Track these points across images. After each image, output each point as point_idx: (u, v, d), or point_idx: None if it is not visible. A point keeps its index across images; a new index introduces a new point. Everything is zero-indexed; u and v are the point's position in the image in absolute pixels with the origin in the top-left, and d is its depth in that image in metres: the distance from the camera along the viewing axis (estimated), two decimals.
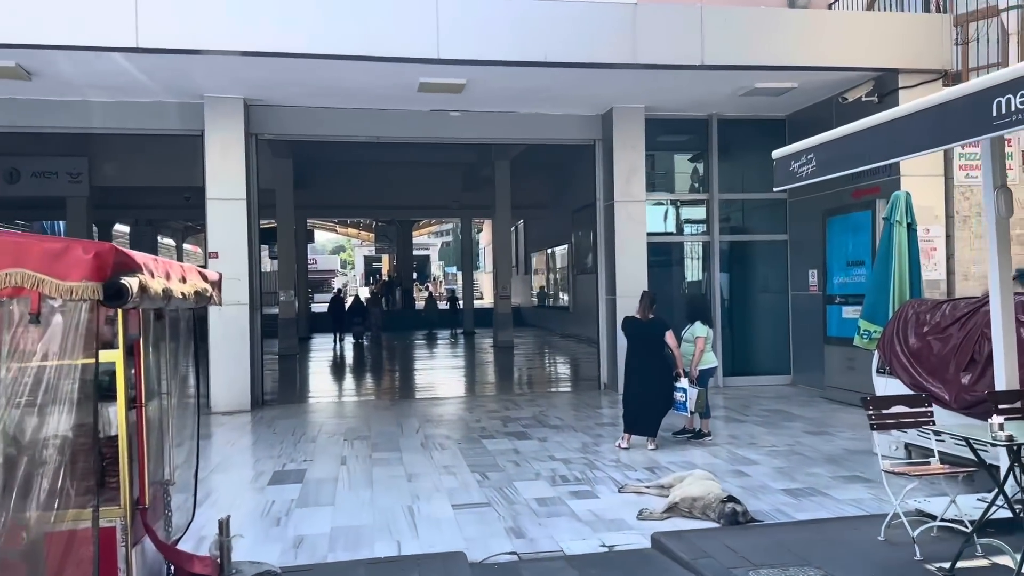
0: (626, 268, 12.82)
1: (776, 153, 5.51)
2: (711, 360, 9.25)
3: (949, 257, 11.10)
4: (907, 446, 7.81)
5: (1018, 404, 5.12)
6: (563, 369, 18.74)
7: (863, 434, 9.31)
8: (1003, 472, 4.96)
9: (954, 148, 11.02)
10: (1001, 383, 5.25)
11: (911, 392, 7.36)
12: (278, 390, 14.85)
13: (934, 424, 5.72)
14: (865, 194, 11.66)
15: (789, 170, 5.12)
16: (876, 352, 8.02)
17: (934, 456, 6.09)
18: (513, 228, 37.12)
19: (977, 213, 10.97)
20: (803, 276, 13.39)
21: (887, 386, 7.74)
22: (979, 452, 4.84)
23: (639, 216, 12.89)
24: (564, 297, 29.11)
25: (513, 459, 8.32)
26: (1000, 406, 4.98)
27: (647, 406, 8.71)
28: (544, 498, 6.83)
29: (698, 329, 9.11)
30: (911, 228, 8.30)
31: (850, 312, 11.62)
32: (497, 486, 7.22)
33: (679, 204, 14.86)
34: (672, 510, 6.14)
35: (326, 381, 17.36)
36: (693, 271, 14.88)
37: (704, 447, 8.80)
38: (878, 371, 7.94)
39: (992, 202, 5.06)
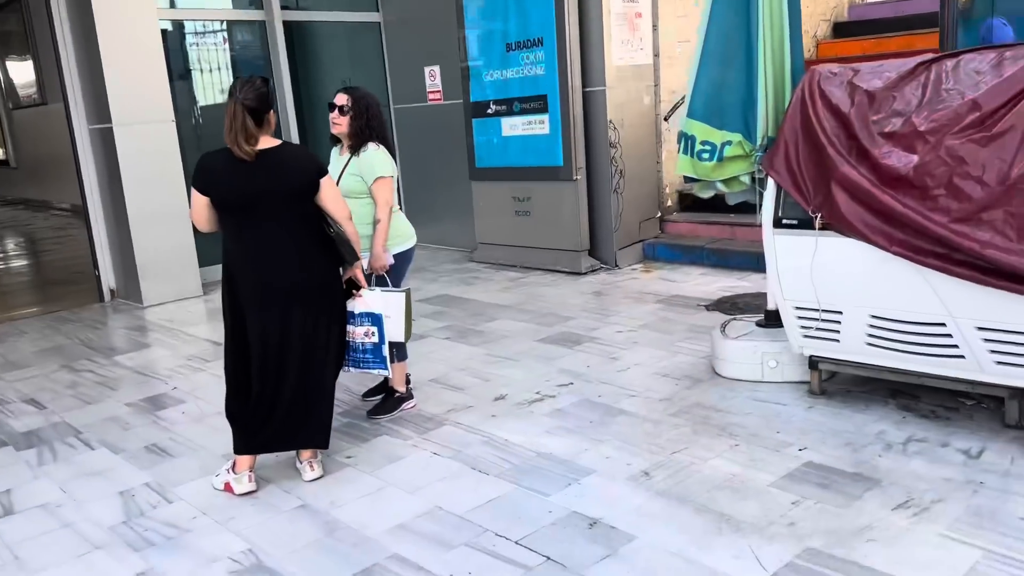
0: (126, 64, 6.68)
1: None
2: (407, 229, 4.24)
3: (653, 29, 7.44)
4: (814, 361, 4.02)
5: None
6: (17, 264, 11.33)
7: (634, 323, 5.29)
8: None
9: None
10: None
11: (880, 253, 3.46)
12: None
13: None
14: None
15: None
16: (769, 184, 3.92)
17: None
18: None
19: None
20: (415, 77, 8.72)
21: (817, 254, 3.72)
22: None
23: None
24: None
25: None
26: None
27: (303, 377, 3.47)
28: None
29: (376, 161, 3.96)
30: None
31: (518, 126, 7.41)
32: None
33: None
34: None
35: None
36: (220, 73, 9.09)
37: (422, 433, 3.97)
38: (780, 223, 3.87)
39: None
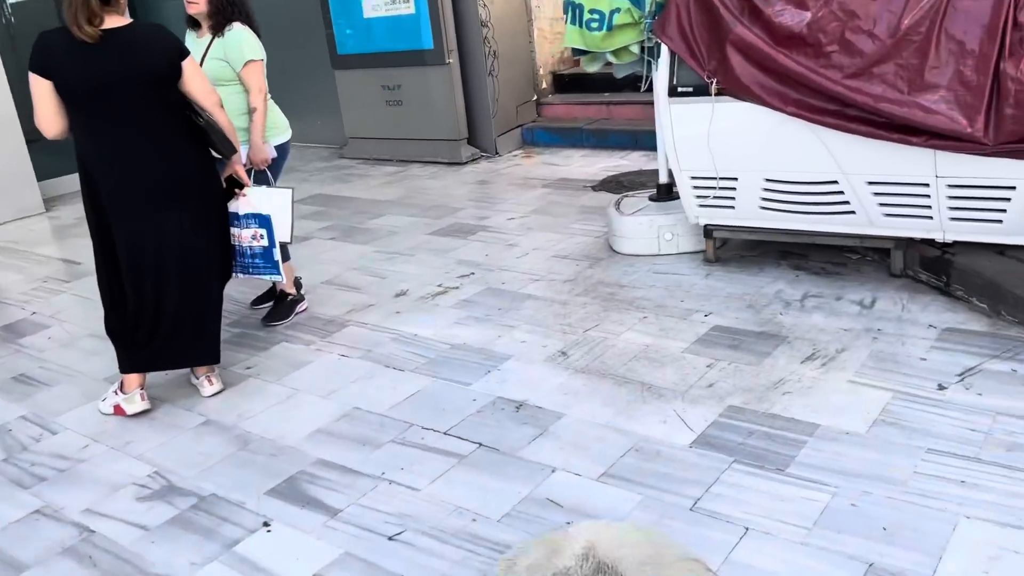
0: None
1: None
2: (282, 120, 3.90)
3: None
4: (709, 230, 4.08)
5: None
6: None
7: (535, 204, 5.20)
8: None
9: None
10: None
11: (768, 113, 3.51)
12: None
13: None
14: None
15: None
16: (662, 52, 3.81)
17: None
18: None
19: None
20: None
21: (713, 120, 3.69)
22: None
23: None
24: None
25: None
26: None
27: (187, 290, 3.17)
28: None
29: (244, 43, 3.58)
30: None
31: (380, 6, 6.93)
32: None
33: None
34: None
35: None
36: None
37: (324, 336, 3.78)
38: (675, 91, 3.80)
39: None
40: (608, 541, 1.96)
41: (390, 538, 2.36)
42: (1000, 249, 3.36)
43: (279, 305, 4.01)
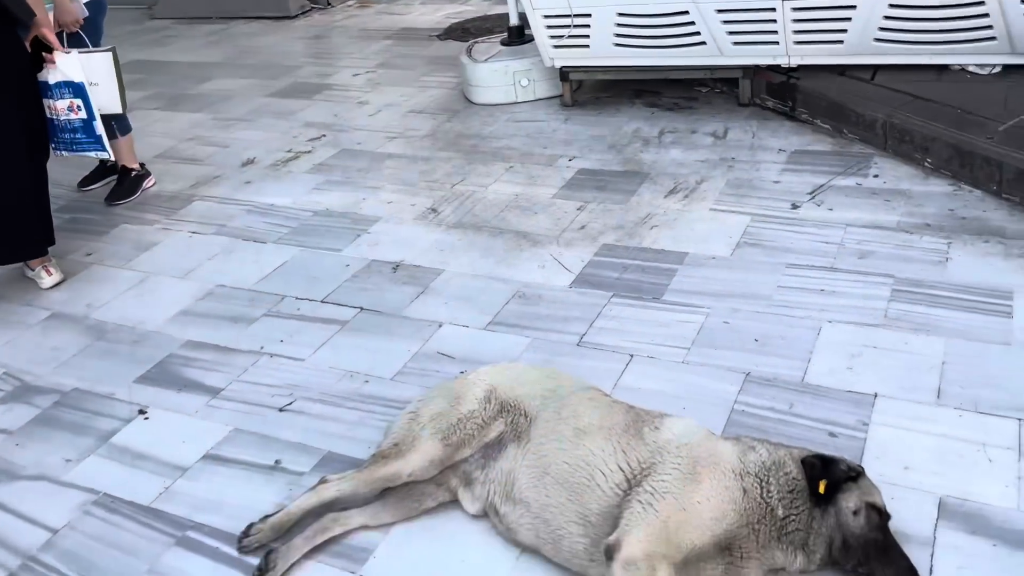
0: None
1: None
2: None
3: None
4: (565, 72, 4.01)
5: None
6: None
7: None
8: None
9: None
10: None
11: None
12: None
13: None
14: None
15: None
16: None
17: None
18: None
19: None
20: None
21: None
22: None
23: None
24: None
25: None
26: None
27: None
28: None
29: None
30: None
31: None
32: None
33: None
34: None
35: None
36: None
37: (169, 214, 3.47)
38: None
39: None
40: (507, 382, 1.99)
41: (280, 409, 2.29)
42: (841, 70, 3.51)
43: (123, 181, 3.65)
